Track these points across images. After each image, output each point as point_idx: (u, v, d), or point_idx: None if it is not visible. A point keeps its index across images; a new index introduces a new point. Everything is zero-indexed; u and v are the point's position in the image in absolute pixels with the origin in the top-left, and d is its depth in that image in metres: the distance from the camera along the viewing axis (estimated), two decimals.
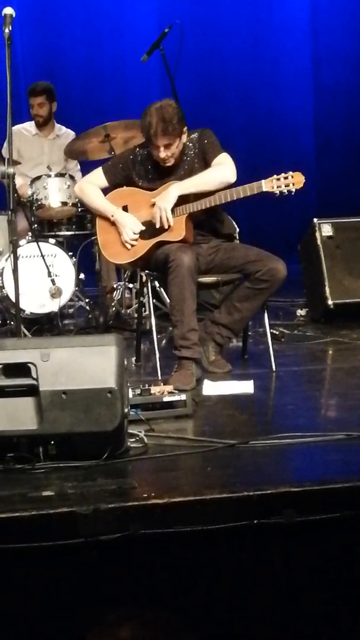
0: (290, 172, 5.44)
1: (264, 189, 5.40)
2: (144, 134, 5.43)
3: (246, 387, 5.11)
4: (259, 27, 10.68)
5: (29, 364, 3.77)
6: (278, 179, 5.41)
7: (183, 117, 5.43)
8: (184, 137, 5.45)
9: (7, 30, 5.15)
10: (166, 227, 5.42)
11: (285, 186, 5.41)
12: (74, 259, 6.94)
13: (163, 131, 5.31)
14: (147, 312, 6.25)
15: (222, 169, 5.43)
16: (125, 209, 5.61)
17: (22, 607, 3.23)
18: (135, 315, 6.71)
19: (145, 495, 3.39)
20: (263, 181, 5.40)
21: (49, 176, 7.10)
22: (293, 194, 5.44)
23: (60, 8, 10.29)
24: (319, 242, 7.16)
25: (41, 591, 3.24)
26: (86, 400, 3.72)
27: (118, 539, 3.22)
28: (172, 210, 5.40)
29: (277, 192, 5.42)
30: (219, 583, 3.36)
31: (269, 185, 5.40)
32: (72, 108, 9.55)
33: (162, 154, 5.41)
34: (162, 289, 6.40)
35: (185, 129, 5.43)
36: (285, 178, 5.42)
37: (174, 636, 1.68)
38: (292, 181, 5.42)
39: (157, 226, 5.44)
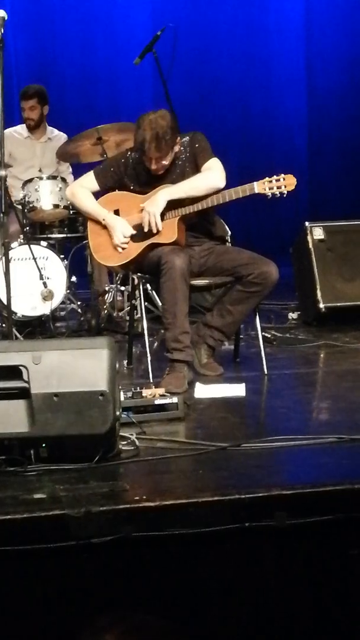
0: (282, 174, 5.45)
1: (256, 191, 5.41)
2: (137, 146, 5.42)
3: (238, 390, 5.10)
4: (252, 30, 10.70)
5: (21, 367, 3.76)
6: (270, 181, 5.42)
7: (176, 126, 5.43)
8: (176, 147, 5.45)
9: None
10: (155, 231, 5.42)
11: (277, 188, 5.42)
12: (66, 262, 6.93)
13: (156, 147, 5.31)
14: (139, 315, 6.25)
15: (211, 175, 5.43)
16: (116, 212, 5.61)
17: (13, 610, 3.23)
18: (127, 318, 6.71)
19: (137, 498, 3.39)
20: (255, 183, 5.41)
21: (41, 179, 7.09)
22: (285, 196, 5.45)
23: (53, 11, 10.29)
24: (310, 245, 7.16)
25: (32, 594, 3.23)
26: (78, 403, 3.72)
27: (110, 541, 3.22)
28: (164, 214, 5.40)
29: (269, 194, 5.43)
30: (211, 586, 3.36)
31: (261, 187, 5.41)
32: (65, 111, 9.55)
33: (154, 166, 5.42)
34: (154, 292, 6.40)
35: (178, 138, 5.43)
36: (277, 180, 5.43)
37: None
38: (284, 183, 5.43)
39: (146, 230, 5.44)
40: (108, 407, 3.73)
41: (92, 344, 3.92)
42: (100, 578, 3.28)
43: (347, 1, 10.72)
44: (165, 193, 5.41)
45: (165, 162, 5.42)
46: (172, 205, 5.41)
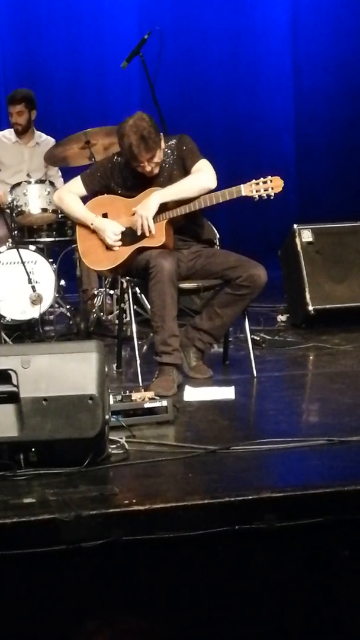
0: (269, 177, 5.46)
1: (243, 194, 5.41)
2: (126, 154, 5.40)
3: (227, 392, 5.11)
4: (239, 33, 10.69)
5: (10, 371, 3.76)
6: (257, 184, 5.43)
7: (157, 125, 5.45)
8: (162, 144, 5.46)
9: None
10: (147, 235, 5.42)
11: (264, 190, 5.43)
12: (55, 266, 6.92)
13: (145, 148, 5.30)
14: (128, 319, 6.26)
15: (203, 176, 5.43)
16: (105, 216, 5.60)
17: (3, 615, 3.22)
18: (116, 321, 6.71)
19: (127, 501, 3.39)
20: (242, 186, 5.42)
21: (29, 183, 7.08)
22: (272, 198, 5.46)
23: (40, 15, 10.27)
24: (299, 247, 7.17)
25: (22, 599, 3.23)
26: (67, 407, 3.71)
27: (100, 545, 3.22)
28: (153, 217, 5.40)
29: (256, 196, 5.43)
30: (202, 589, 3.35)
31: (247, 189, 5.42)
32: (53, 114, 9.54)
33: (148, 167, 5.41)
34: (142, 295, 6.41)
35: (161, 135, 5.44)
36: (264, 182, 5.44)
37: None
38: (271, 185, 5.44)
39: (139, 234, 5.44)
40: (97, 411, 3.73)
41: (81, 348, 3.91)
42: (91, 582, 3.27)
43: (333, 3, 10.73)
44: (157, 196, 5.41)
45: (157, 160, 5.42)
46: (161, 208, 5.41)
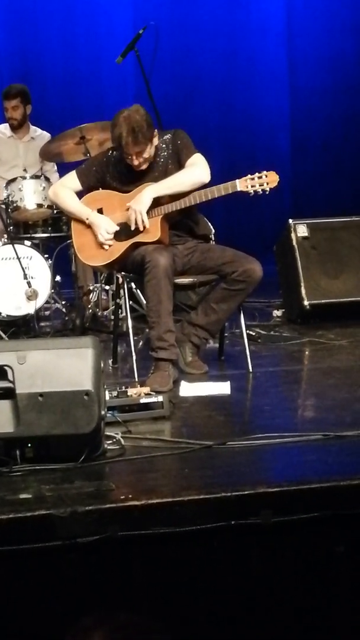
0: (265, 172, 5.46)
1: (239, 189, 5.41)
2: (115, 144, 5.42)
3: (223, 388, 5.11)
4: (235, 29, 10.69)
5: (5, 367, 3.76)
6: (252, 179, 5.43)
7: (150, 119, 5.44)
8: (155, 140, 5.45)
9: None
10: (141, 229, 5.41)
11: (260, 185, 5.43)
12: (50, 261, 6.92)
13: (134, 141, 5.30)
14: (123, 314, 6.26)
15: (196, 170, 5.43)
16: (100, 211, 5.60)
17: None
18: (112, 317, 6.71)
19: (123, 497, 3.39)
20: (237, 181, 5.42)
21: (24, 178, 7.08)
22: (267, 193, 5.46)
23: (36, 10, 10.26)
24: (294, 242, 7.17)
25: (18, 594, 3.23)
26: (63, 403, 3.71)
27: (96, 541, 3.22)
28: (147, 212, 5.40)
29: (252, 191, 5.43)
30: (197, 584, 3.36)
31: (243, 184, 5.42)
32: (48, 110, 9.53)
33: (135, 161, 5.41)
34: (138, 291, 6.40)
35: (155, 132, 5.44)
36: (260, 177, 5.44)
37: None
38: (266, 180, 5.44)
39: (132, 229, 5.44)
40: (93, 407, 3.73)
41: (76, 344, 3.92)
42: (87, 578, 3.28)
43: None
44: (151, 190, 5.41)
45: (147, 156, 5.42)
46: (155, 203, 5.41)
